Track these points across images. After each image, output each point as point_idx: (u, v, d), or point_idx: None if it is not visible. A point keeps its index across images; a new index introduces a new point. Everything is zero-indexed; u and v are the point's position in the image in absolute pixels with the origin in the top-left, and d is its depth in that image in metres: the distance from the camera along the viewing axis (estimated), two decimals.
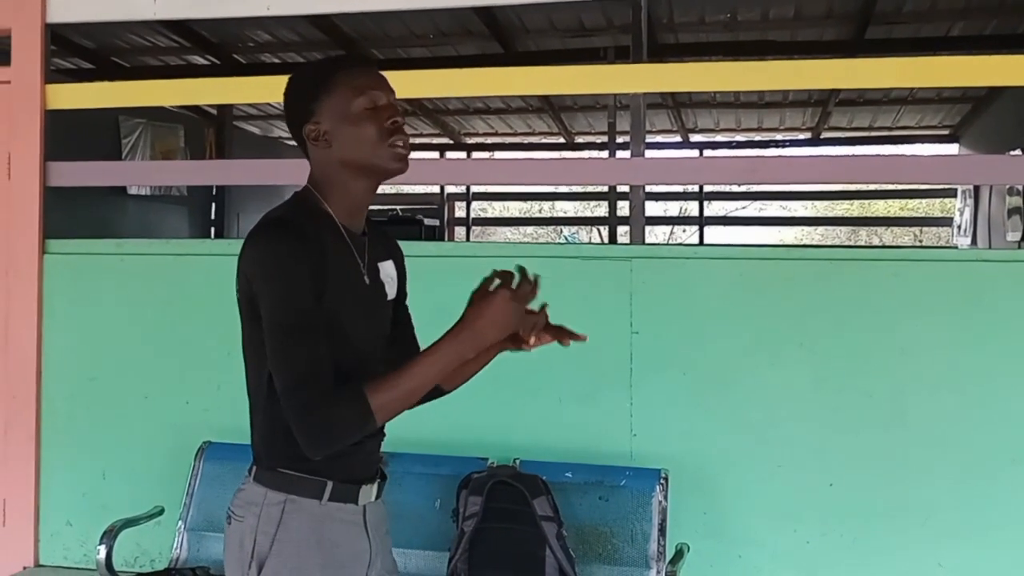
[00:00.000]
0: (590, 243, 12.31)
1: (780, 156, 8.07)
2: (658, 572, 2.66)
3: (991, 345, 2.82)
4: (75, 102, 3.57)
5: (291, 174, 4.40)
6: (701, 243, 9.59)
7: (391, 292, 1.65)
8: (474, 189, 10.84)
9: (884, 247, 9.55)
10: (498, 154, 10.87)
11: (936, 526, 2.81)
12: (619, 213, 7.84)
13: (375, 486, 1.60)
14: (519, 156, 10.42)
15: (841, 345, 2.91)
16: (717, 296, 3.00)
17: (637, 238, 3.13)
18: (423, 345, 1.72)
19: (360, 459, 1.56)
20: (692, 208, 10.26)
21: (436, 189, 10.47)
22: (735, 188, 13.87)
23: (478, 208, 11.50)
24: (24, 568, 3.42)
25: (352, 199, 1.56)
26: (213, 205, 7.16)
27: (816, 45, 6.30)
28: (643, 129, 3.03)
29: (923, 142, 9.71)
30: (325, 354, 1.43)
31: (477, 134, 10.29)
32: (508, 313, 1.43)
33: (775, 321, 2.95)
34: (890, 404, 2.87)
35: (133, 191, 5.92)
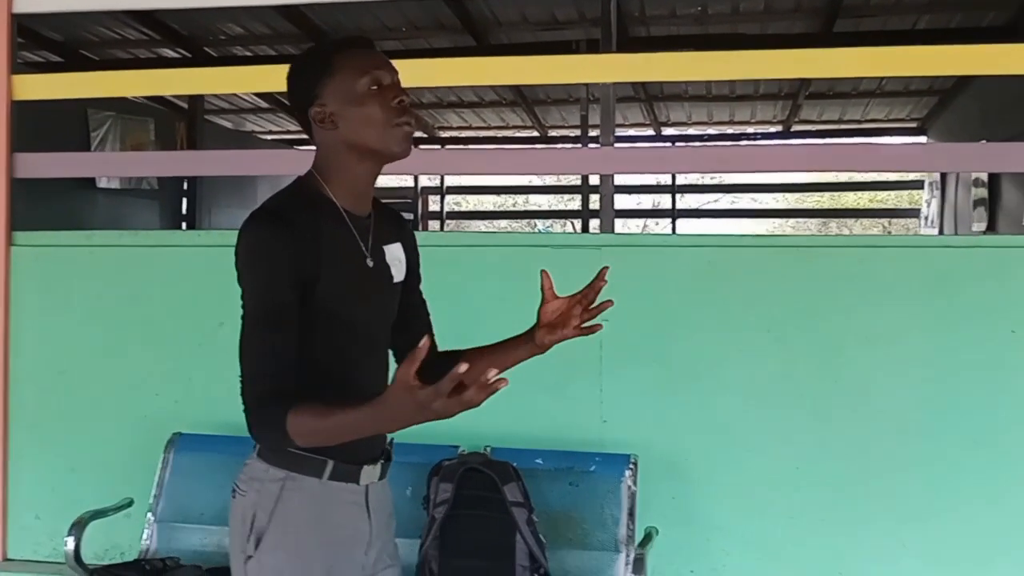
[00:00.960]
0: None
1: (749, 145, 8.16)
2: (627, 556, 2.69)
3: (955, 330, 2.88)
4: (42, 93, 3.53)
5: (262, 165, 4.39)
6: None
7: (398, 275, 1.64)
8: (448, 183, 10.84)
9: (851, 236, 9.67)
10: (472, 147, 10.88)
11: (900, 509, 2.86)
12: (592, 207, 7.89)
13: (378, 467, 1.60)
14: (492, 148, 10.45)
15: (808, 332, 2.95)
16: (687, 284, 3.03)
17: (607, 227, 3.16)
18: (436, 333, 1.76)
19: (363, 440, 1.54)
20: (665, 202, 10.33)
21: (410, 183, 10.45)
22: (707, 181, 13.97)
23: (452, 202, 11.51)
24: None
25: (355, 182, 1.56)
26: (184, 199, 7.11)
27: (786, 38, 6.36)
28: (613, 119, 3.05)
29: (892, 134, 9.85)
30: (285, 351, 1.44)
31: (451, 128, 10.29)
32: (419, 412, 1.30)
33: (744, 309, 2.99)
34: (856, 390, 2.91)
35: (102, 184, 5.86)
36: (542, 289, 1.67)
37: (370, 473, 1.58)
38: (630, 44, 6.00)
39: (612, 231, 3.19)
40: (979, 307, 2.86)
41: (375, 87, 1.52)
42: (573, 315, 1.67)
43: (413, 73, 3.72)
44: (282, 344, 1.43)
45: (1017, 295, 2.86)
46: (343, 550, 1.55)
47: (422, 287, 1.79)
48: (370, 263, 1.57)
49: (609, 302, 1.69)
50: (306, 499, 1.51)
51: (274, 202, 1.52)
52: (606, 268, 1.65)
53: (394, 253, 1.64)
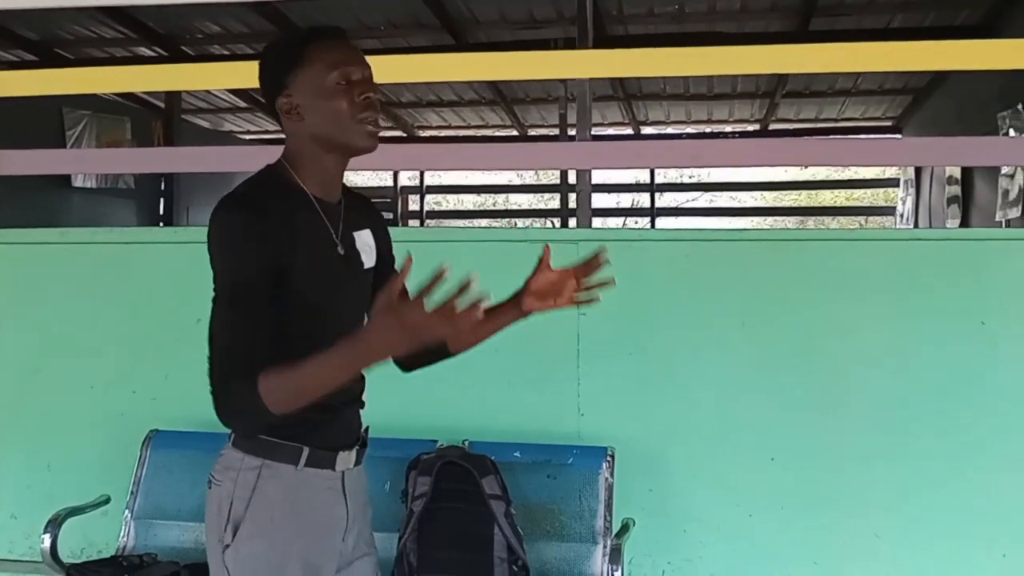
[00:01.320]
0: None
1: (724, 141, 8.25)
2: (605, 547, 2.72)
3: (926, 322, 2.92)
4: (18, 89, 3.52)
5: (241, 162, 4.37)
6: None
7: (368, 260, 1.64)
8: (428, 182, 10.84)
9: (823, 230, 9.78)
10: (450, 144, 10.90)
11: (873, 497, 2.90)
12: (572, 206, 7.92)
13: (353, 453, 1.60)
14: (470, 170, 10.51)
15: (782, 325, 2.99)
16: (662, 278, 3.05)
17: (585, 222, 3.18)
18: None
19: (337, 426, 1.57)
20: (644, 201, 10.40)
21: (389, 182, 10.44)
22: (686, 180, 14.05)
23: (432, 202, 11.50)
24: None
25: (324, 173, 1.57)
26: (162, 198, 7.07)
27: (762, 36, 6.43)
28: (589, 115, 3.08)
29: (868, 133, 9.95)
30: (256, 332, 1.43)
31: (430, 127, 10.30)
32: (400, 330, 1.30)
33: (719, 302, 3.02)
34: (830, 381, 2.95)
35: (78, 183, 5.82)
36: (540, 260, 1.69)
37: (346, 459, 1.59)
38: (607, 42, 6.04)
39: (590, 226, 3.21)
40: (949, 299, 2.90)
41: (343, 82, 1.52)
42: (566, 287, 1.68)
43: (392, 69, 3.76)
44: (252, 325, 1.43)
45: (987, 288, 2.91)
46: (321, 536, 1.55)
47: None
48: (341, 250, 1.57)
49: (611, 280, 1.71)
50: (282, 486, 1.51)
51: (245, 187, 1.52)
52: (604, 249, 1.67)
53: (364, 239, 1.64)
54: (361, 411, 1.67)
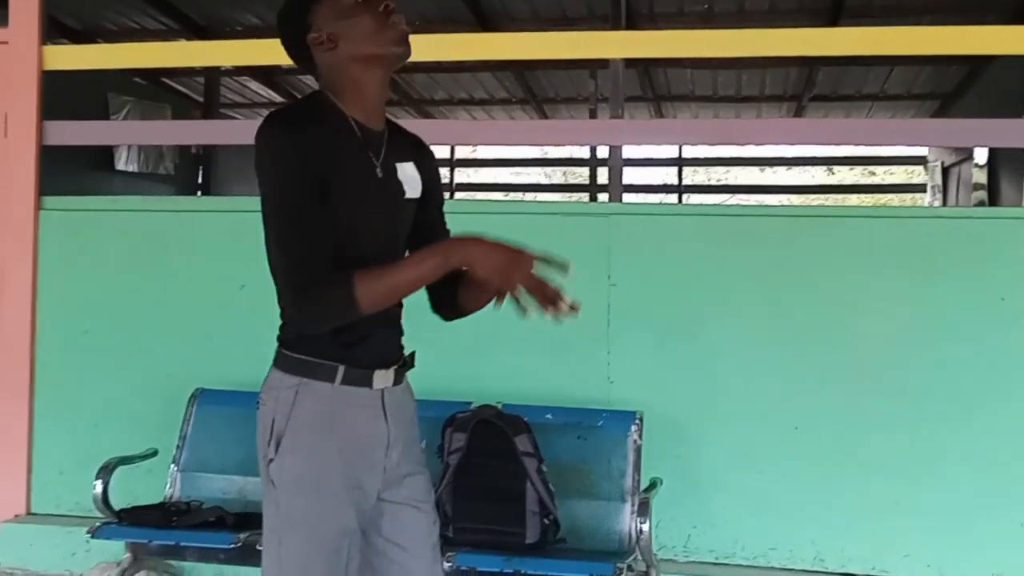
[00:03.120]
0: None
1: (752, 120, 8.27)
2: (632, 505, 2.80)
3: (946, 297, 3.00)
4: (72, 63, 3.67)
5: None
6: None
7: (411, 191, 1.69)
8: (457, 180, 10.95)
9: (847, 207, 9.82)
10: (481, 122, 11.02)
11: (894, 466, 2.98)
12: (600, 182, 7.94)
13: (391, 372, 1.64)
14: (501, 145, 10.63)
15: (805, 297, 3.07)
16: (689, 251, 3.15)
17: (616, 197, 3.27)
18: None
19: (372, 345, 1.61)
20: (673, 179, 10.47)
21: None
22: (714, 182, 14.11)
23: (463, 176, 11.51)
24: (16, 516, 3.50)
25: (366, 95, 1.63)
26: (200, 182, 7.25)
27: None
28: (621, 93, 3.17)
29: None
30: (321, 237, 1.49)
31: (462, 122, 10.42)
32: (504, 264, 1.45)
33: (744, 274, 3.11)
34: (849, 352, 3.03)
35: (121, 167, 6.00)
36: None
37: (383, 378, 1.63)
38: None
39: (620, 201, 3.31)
40: (969, 275, 2.98)
41: (360, 0, 1.61)
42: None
43: (420, 48, 3.84)
44: (319, 231, 1.49)
45: (1006, 264, 2.98)
46: (360, 451, 1.61)
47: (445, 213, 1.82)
48: (379, 173, 1.62)
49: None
50: (319, 403, 1.57)
51: (286, 107, 1.60)
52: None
53: (407, 171, 1.69)
54: (401, 337, 1.71)
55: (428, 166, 1.76)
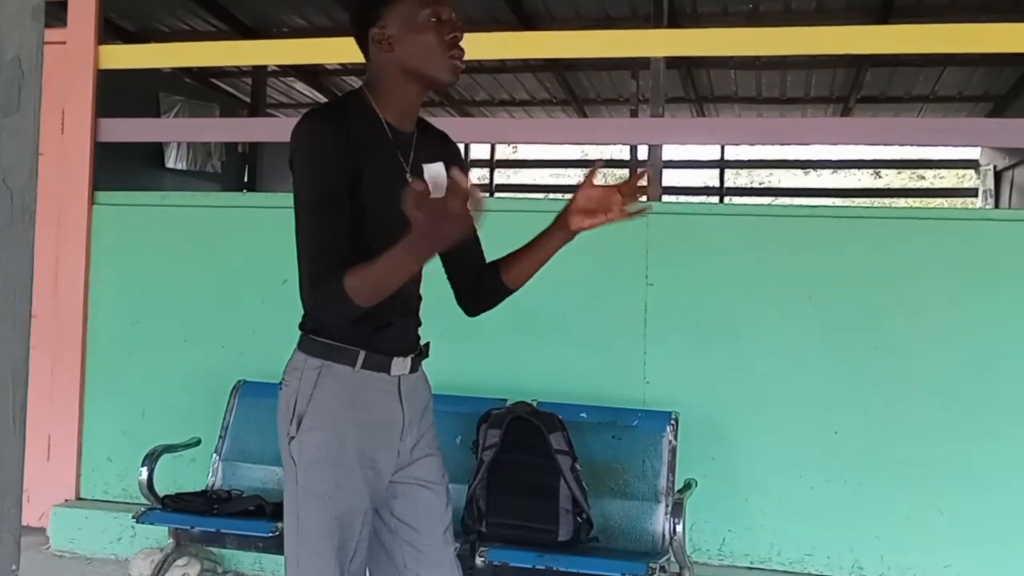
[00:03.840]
0: None
1: (797, 119, 8.15)
2: (667, 506, 2.80)
3: (994, 301, 2.94)
4: (126, 62, 3.77)
5: None
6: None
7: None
8: (497, 180, 11.00)
9: (894, 207, 9.66)
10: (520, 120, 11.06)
11: (937, 475, 2.93)
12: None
13: (408, 360, 1.71)
14: (541, 145, 10.65)
15: (848, 300, 3.04)
16: (729, 251, 3.13)
17: (655, 197, 3.27)
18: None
19: (392, 334, 1.68)
20: (714, 181, 10.40)
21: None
22: (756, 185, 13.95)
23: (502, 177, 11.56)
24: (66, 501, 3.61)
25: (403, 102, 1.69)
26: (245, 180, 7.39)
27: None
28: (662, 92, 3.17)
29: None
30: (338, 232, 1.55)
31: (503, 120, 10.46)
32: (435, 227, 1.40)
33: (785, 275, 3.09)
34: (895, 357, 2.99)
35: (170, 164, 6.13)
36: (585, 178, 1.72)
37: (400, 365, 1.69)
38: None
39: (659, 200, 3.30)
40: (1018, 278, 2.92)
41: (435, 19, 1.65)
42: (613, 202, 1.71)
43: (466, 47, 3.86)
44: (335, 228, 1.55)
45: None
46: (377, 431, 1.67)
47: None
48: (409, 177, 1.67)
49: (649, 205, 1.74)
50: (341, 384, 1.64)
51: (325, 104, 1.67)
52: (647, 171, 1.74)
53: (434, 171, 1.71)
54: (419, 327, 1.77)
55: (454, 162, 1.79)
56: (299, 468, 1.63)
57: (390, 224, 1.62)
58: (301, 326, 1.69)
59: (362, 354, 1.64)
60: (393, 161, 1.68)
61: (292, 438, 1.64)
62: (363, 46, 1.72)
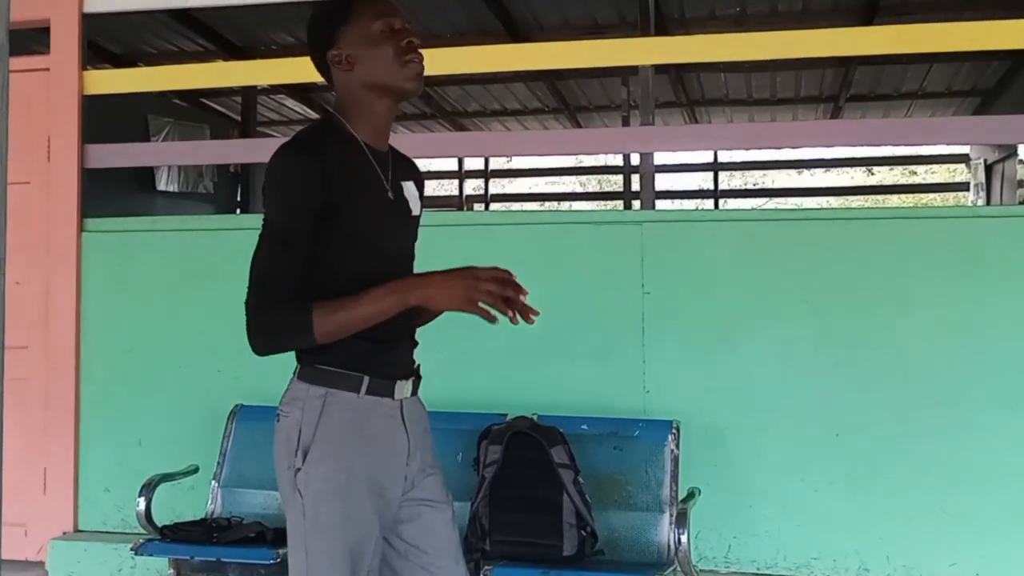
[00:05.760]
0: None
1: (786, 123, 8.18)
2: (671, 516, 2.77)
3: (988, 297, 2.93)
4: (111, 87, 3.75)
5: None
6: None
7: (415, 208, 1.77)
8: (492, 190, 11.01)
9: (886, 208, 9.67)
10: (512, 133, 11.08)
11: (938, 473, 2.91)
12: (634, 189, 7.93)
13: (410, 383, 1.71)
14: (534, 156, 10.67)
15: (844, 301, 3.03)
16: (724, 257, 3.12)
17: (648, 204, 3.26)
18: None
19: (394, 358, 1.67)
20: (709, 184, 10.42)
21: (454, 191, 10.64)
22: (750, 186, 13.96)
23: (497, 187, 11.63)
24: (64, 533, 3.57)
25: (375, 119, 1.69)
26: (239, 199, 7.37)
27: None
28: (652, 100, 3.16)
29: None
30: (292, 267, 1.55)
31: (495, 133, 10.46)
32: (462, 289, 1.53)
33: (780, 279, 3.07)
34: (892, 357, 2.98)
35: (162, 187, 6.11)
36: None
37: (403, 388, 1.68)
38: None
39: (653, 208, 3.29)
40: (1011, 274, 2.91)
41: (387, 30, 1.66)
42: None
43: (453, 61, 3.86)
44: (292, 261, 1.55)
45: None
46: (384, 458, 1.65)
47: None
48: (391, 195, 1.69)
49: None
50: (347, 411, 1.61)
51: (303, 134, 1.66)
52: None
53: (410, 190, 1.76)
54: (415, 348, 1.77)
55: (420, 184, 1.84)
56: (306, 500, 1.59)
57: (376, 243, 1.65)
58: (298, 356, 1.66)
59: (366, 380, 1.63)
60: (375, 181, 1.68)
61: (298, 470, 1.60)
62: (324, 71, 1.72)
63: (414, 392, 1.73)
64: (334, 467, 1.60)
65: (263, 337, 1.56)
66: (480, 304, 1.53)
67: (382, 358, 1.63)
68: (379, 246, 1.66)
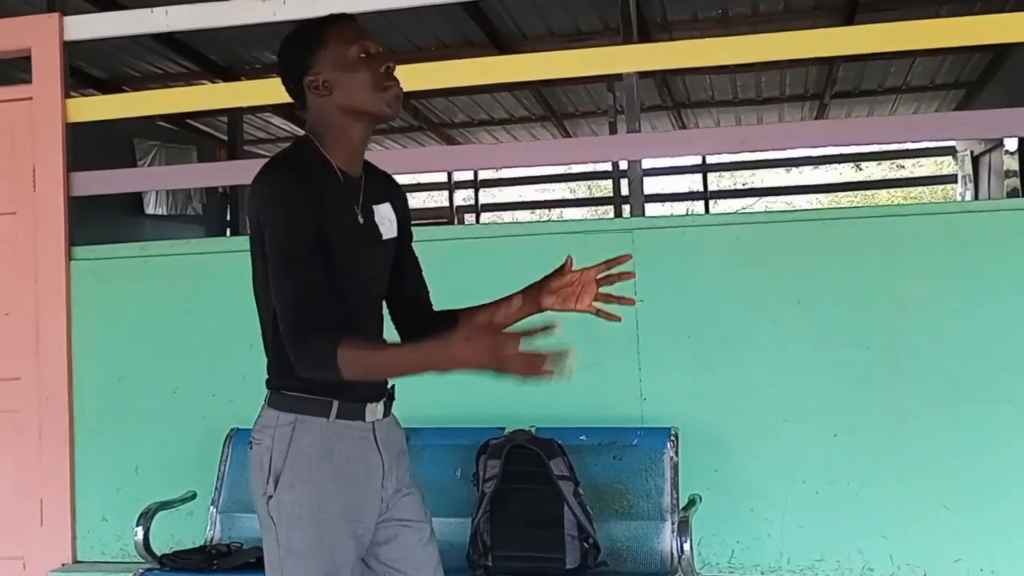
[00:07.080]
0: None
1: (772, 125, 8.22)
2: (672, 524, 2.76)
3: (981, 292, 2.94)
4: (95, 114, 3.73)
5: None
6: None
7: (387, 232, 1.75)
8: (482, 199, 11.02)
9: (874, 206, 9.72)
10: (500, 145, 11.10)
11: (939, 470, 2.91)
12: (624, 193, 7.95)
13: (380, 404, 1.70)
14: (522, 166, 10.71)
15: (838, 301, 3.02)
16: (717, 261, 3.11)
17: (637, 211, 3.25)
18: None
19: (363, 382, 1.65)
20: (697, 209, 10.44)
21: (444, 202, 10.65)
22: (740, 186, 14.00)
23: (487, 196, 11.69)
24: (63, 565, 3.54)
25: (349, 143, 1.69)
26: (228, 220, 7.36)
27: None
28: (637, 106, 3.16)
29: None
30: (322, 278, 1.54)
31: (483, 146, 10.47)
32: (491, 356, 1.42)
33: (773, 282, 3.07)
34: (887, 355, 2.97)
35: (150, 210, 6.10)
36: (563, 265, 1.79)
37: (374, 411, 1.68)
38: None
39: (643, 214, 3.28)
40: (1004, 268, 2.91)
41: (364, 55, 1.66)
42: (586, 292, 1.77)
43: (439, 75, 3.86)
44: (318, 277, 1.53)
45: None
46: (358, 482, 1.64)
47: (414, 244, 1.88)
48: (361, 220, 1.68)
49: (631, 300, 1.81)
50: (316, 437, 1.61)
51: (284, 155, 1.66)
52: (628, 256, 1.78)
53: (384, 212, 1.75)
54: None
55: (400, 204, 1.82)
56: (279, 527, 1.59)
57: (348, 268, 1.64)
58: (268, 383, 1.66)
59: (335, 404, 1.62)
60: (347, 207, 1.67)
61: (270, 497, 1.60)
62: (298, 96, 1.71)
63: (386, 413, 1.72)
64: (306, 493, 1.59)
65: (310, 367, 1.53)
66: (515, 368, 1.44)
67: (351, 382, 1.60)
68: (350, 271, 1.65)
